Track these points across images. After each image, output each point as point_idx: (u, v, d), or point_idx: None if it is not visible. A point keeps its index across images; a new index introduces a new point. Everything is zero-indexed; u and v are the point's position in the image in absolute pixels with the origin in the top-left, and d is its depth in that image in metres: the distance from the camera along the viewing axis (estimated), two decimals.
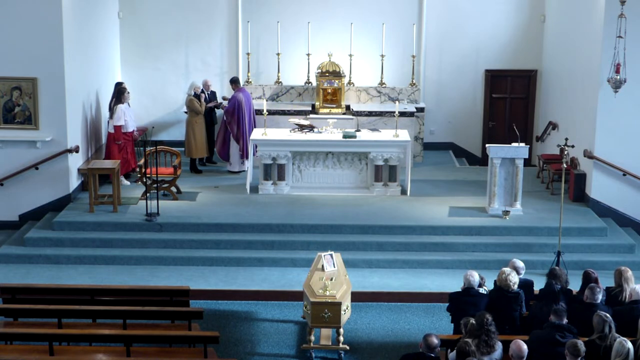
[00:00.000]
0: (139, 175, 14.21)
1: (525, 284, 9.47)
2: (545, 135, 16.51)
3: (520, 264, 9.59)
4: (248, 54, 16.89)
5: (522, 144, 13.36)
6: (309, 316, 9.73)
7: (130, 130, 14.73)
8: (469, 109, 17.50)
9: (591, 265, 10.88)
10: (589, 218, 13.42)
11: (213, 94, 16.19)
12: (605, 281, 10.10)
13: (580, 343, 7.67)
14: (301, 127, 14.73)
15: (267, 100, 16.07)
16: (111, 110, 14.66)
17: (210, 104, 15.81)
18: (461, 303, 9.18)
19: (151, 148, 13.83)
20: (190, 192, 14.43)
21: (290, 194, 14.39)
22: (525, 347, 7.72)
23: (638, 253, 12.76)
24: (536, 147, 17.04)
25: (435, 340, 7.85)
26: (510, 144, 13.57)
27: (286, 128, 14.93)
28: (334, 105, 16.18)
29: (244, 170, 15.33)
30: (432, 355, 7.84)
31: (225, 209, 13.66)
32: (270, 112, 15.54)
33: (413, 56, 16.69)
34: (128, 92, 14.90)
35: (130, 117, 14.73)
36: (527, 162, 15.29)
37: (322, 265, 10.24)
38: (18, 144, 13.55)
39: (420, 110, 16.49)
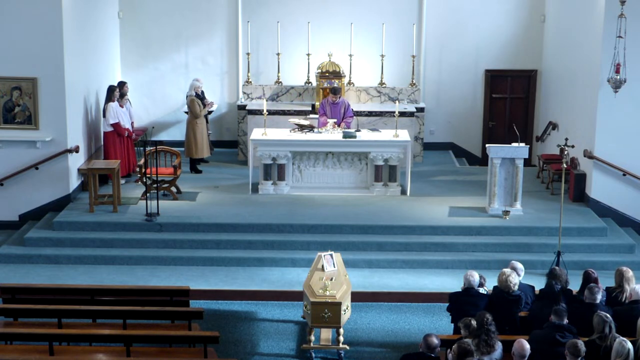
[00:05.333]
0: (139, 175, 14.21)
1: (527, 290, 9.43)
2: (545, 135, 16.51)
3: (519, 265, 9.58)
4: (248, 54, 16.89)
5: (522, 144, 13.36)
6: (309, 316, 9.73)
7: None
8: (469, 109, 17.50)
9: (591, 265, 10.88)
10: (589, 218, 13.42)
11: (202, 93, 16.13)
12: (605, 281, 10.11)
13: (581, 343, 7.68)
14: (301, 127, 14.72)
15: (267, 100, 16.07)
16: (103, 110, 14.69)
17: (208, 107, 15.80)
18: (461, 303, 9.18)
19: (151, 148, 13.83)
20: (190, 192, 14.43)
21: (290, 194, 14.39)
22: (527, 346, 7.72)
23: (638, 253, 12.76)
24: (536, 147, 17.05)
25: (435, 341, 7.85)
26: (510, 144, 13.57)
27: (286, 128, 14.93)
28: None
29: None
30: (432, 355, 7.85)
31: (225, 209, 13.66)
32: (270, 112, 15.53)
33: (413, 56, 16.69)
34: (119, 91, 14.82)
35: (122, 117, 14.70)
36: (527, 162, 15.29)
37: (322, 265, 10.24)
38: (18, 144, 13.55)
39: (420, 110, 16.49)
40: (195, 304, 10.57)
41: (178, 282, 11.66)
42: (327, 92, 15.39)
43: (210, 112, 16.47)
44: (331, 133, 14.48)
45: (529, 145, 13.94)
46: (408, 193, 14.39)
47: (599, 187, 13.78)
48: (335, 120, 14.75)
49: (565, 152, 12.25)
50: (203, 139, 15.53)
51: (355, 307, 10.95)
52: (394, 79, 17.00)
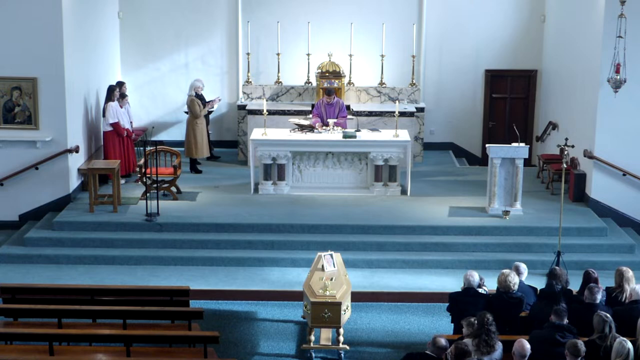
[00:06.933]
0: (139, 175, 14.21)
1: (528, 292, 9.43)
2: (545, 135, 16.51)
3: (522, 266, 9.58)
4: (248, 54, 16.89)
5: (522, 144, 13.36)
6: (309, 316, 9.73)
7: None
8: (469, 109, 17.51)
9: (591, 265, 10.88)
10: (589, 218, 13.42)
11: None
12: (605, 281, 10.11)
13: (581, 343, 7.68)
14: (301, 127, 14.72)
15: (267, 100, 16.07)
16: (103, 109, 14.71)
17: (209, 107, 15.81)
18: (461, 303, 9.18)
19: (151, 148, 13.83)
20: (190, 192, 14.43)
21: (290, 194, 14.39)
22: (528, 346, 7.72)
23: (638, 253, 12.75)
24: (536, 147, 17.05)
25: (443, 342, 7.86)
26: (510, 144, 13.57)
27: (286, 128, 14.93)
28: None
29: None
30: (435, 356, 7.85)
31: (225, 209, 13.66)
32: (270, 112, 15.53)
33: (413, 56, 16.69)
34: (119, 91, 14.84)
35: (122, 117, 14.70)
36: (527, 162, 15.28)
37: (322, 265, 10.24)
38: (18, 144, 13.55)
39: (420, 110, 16.49)
40: (195, 304, 10.57)
41: (178, 282, 11.66)
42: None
43: (210, 112, 16.41)
44: (331, 133, 14.48)
45: (529, 145, 13.94)
46: (408, 193, 14.39)
47: (599, 187, 13.77)
48: (335, 120, 14.74)
49: (565, 152, 12.24)
50: (203, 139, 15.53)
51: (355, 307, 10.95)
52: (394, 79, 17.00)
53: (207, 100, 15.97)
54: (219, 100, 16.58)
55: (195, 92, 15.54)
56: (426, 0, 16.94)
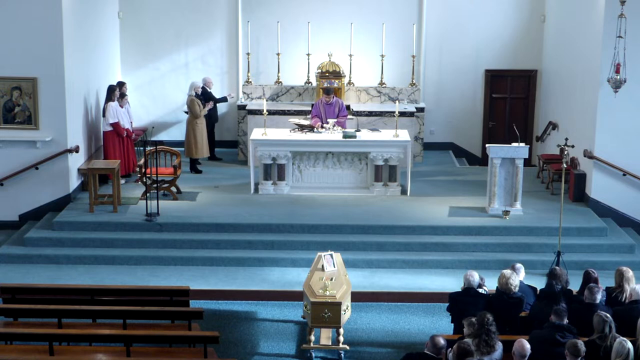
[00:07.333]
0: (139, 175, 14.22)
1: (528, 292, 9.43)
2: (545, 135, 16.51)
3: (518, 266, 9.59)
4: (248, 54, 16.90)
5: (522, 144, 13.36)
6: (309, 316, 9.73)
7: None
8: (469, 109, 17.51)
9: (591, 265, 10.88)
10: (589, 218, 13.42)
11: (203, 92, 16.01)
12: (605, 281, 10.11)
13: (580, 343, 7.68)
14: (301, 127, 14.73)
15: (267, 100, 16.07)
16: (103, 109, 14.72)
17: (208, 106, 15.77)
18: (461, 303, 9.18)
19: (151, 148, 13.83)
20: (190, 192, 14.43)
21: (290, 194, 14.39)
22: (528, 346, 7.72)
23: (638, 253, 12.75)
24: (536, 147, 17.05)
25: (442, 342, 7.86)
26: (510, 144, 13.57)
27: (286, 128, 14.93)
28: None
29: None
30: (435, 356, 7.85)
31: (225, 209, 13.66)
32: (270, 112, 15.53)
33: (413, 56, 16.70)
34: (119, 91, 14.83)
35: (122, 117, 14.70)
36: (527, 162, 15.29)
37: (322, 265, 10.23)
38: (18, 144, 13.55)
39: (420, 110, 16.49)
40: (195, 304, 10.57)
41: (178, 282, 11.66)
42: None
43: (212, 109, 16.25)
44: (331, 133, 14.48)
45: (529, 145, 13.94)
46: (408, 193, 14.39)
47: (599, 187, 13.77)
48: (335, 120, 14.74)
49: (565, 152, 12.25)
50: (203, 139, 15.52)
51: (355, 307, 10.95)
52: (394, 79, 17.00)
53: (217, 97, 16.02)
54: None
55: (195, 92, 15.53)
56: (426, 0, 16.94)
